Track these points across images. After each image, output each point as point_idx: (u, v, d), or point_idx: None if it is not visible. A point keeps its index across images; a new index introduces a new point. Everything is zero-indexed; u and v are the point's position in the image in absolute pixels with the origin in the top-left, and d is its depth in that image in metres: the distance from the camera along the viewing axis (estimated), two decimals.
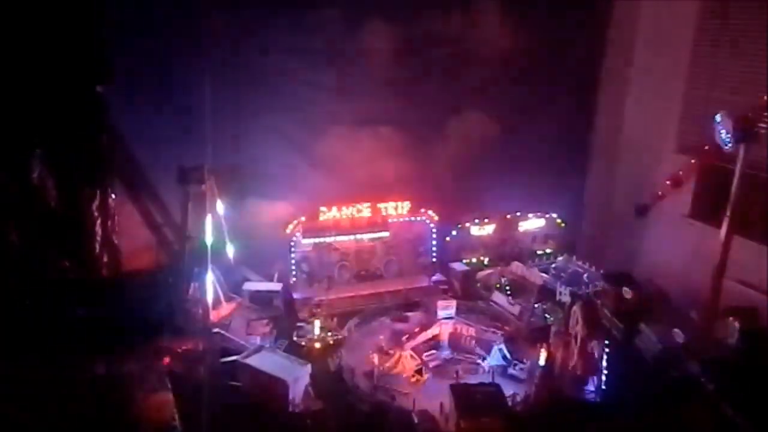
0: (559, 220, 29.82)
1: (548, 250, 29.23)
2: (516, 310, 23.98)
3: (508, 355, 21.53)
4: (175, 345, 20.08)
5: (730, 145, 20.33)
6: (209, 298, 22.01)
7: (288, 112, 25.44)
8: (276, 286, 25.17)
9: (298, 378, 18.76)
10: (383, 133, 27.11)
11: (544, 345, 20.21)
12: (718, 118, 20.08)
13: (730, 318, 21.16)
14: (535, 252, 29.13)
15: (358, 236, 26.35)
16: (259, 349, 20.13)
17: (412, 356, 20.94)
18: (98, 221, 22.12)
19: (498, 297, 25.09)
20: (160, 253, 24.98)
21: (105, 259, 22.51)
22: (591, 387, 19.34)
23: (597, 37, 28.83)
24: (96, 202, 21.98)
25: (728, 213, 21.00)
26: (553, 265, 27.32)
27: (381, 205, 26.58)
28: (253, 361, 19.34)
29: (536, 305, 24.06)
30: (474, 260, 28.21)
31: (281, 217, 26.03)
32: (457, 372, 20.35)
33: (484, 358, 21.53)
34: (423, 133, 27.74)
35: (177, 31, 22.49)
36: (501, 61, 27.30)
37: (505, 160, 28.54)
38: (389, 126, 27.09)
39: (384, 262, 27.25)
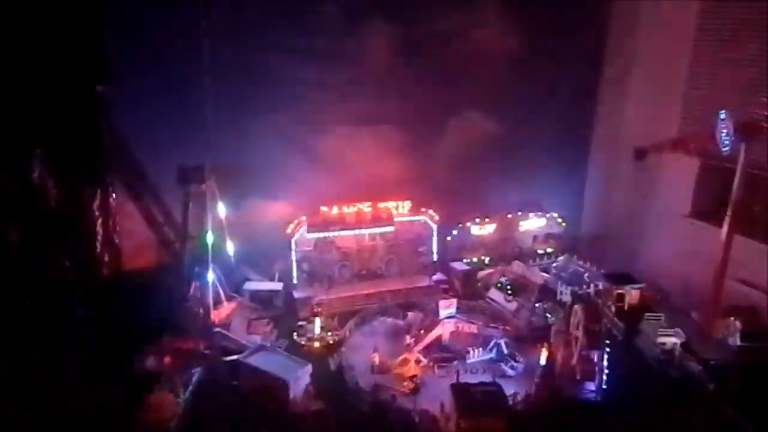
0: (559, 220, 29.82)
1: (549, 250, 29.23)
2: (513, 306, 23.99)
3: (505, 351, 21.73)
4: (176, 344, 20.12)
5: (727, 147, 20.42)
6: (210, 297, 22.14)
7: (288, 112, 25.45)
8: (277, 285, 25.26)
9: (298, 377, 18.78)
10: (384, 132, 27.12)
11: (545, 344, 20.19)
12: (722, 115, 20.10)
13: (731, 317, 21.18)
14: (536, 251, 29.13)
15: (363, 231, 26.44)
16: (259, 349, 20.14)
17: (418, 360, 21.00)
18: (99, 221, 22.16)
19: (495, 294, 25.10)
20: (161, 252, 25.01)
21: (106, 258, 22.53)
22: (591, 387, 19.31)
23: (597, 37, 28.82)
24: (97, 202, 22.03)
25: (729, 212, 21.05)
26: (554, 265, 27.34)
27: (381, 205, 26.58)
28: (254, 360, 19.36)
29: (537, 304, 24.04)
30: (475, 260, 28.22)
31: (282, 216, 26.04)
32: (457, 372, 20.32)
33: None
34: (424, 132, 27.75)
35: (178, 31, 22.50)
36: (501, 61, 27.30)
37: (506, 160, 28.56)
38: (390, 126, 27.11)
39: (385, 261, 27.24)
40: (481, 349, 21.96)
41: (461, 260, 27.84)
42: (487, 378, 20.30)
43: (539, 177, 29.43)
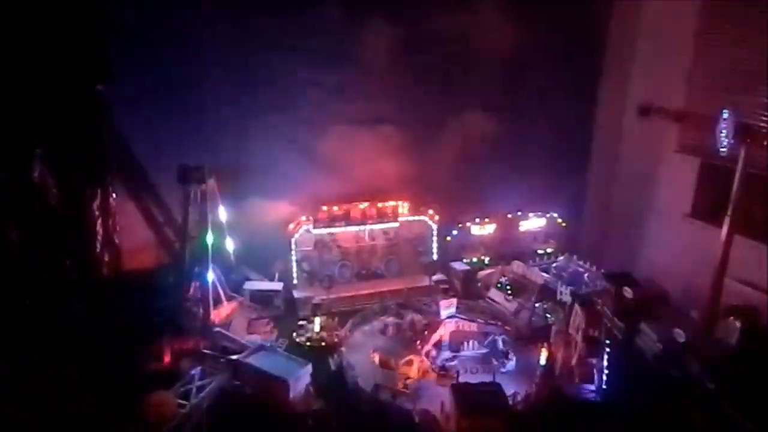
0: (559, 220, 29.81)
1: (549, 250, 29.20)
2: (513, 306, 24.00)
3: (501, 347, 21.66)
4: (176, 344, 20.12)
5: (725, 148, 20.44)
6: (210, 297, 22.15)
7: (289, 111, 25.44)
8: (277, 285, 25.21)
9: (298, 377, 18.77)
10: (384, 132, 27.12)
11: (545, 344, 20.21)
12: (725, 114, 20.10)
13: (731, 317, 21.19)
14: (536, 251, 29.09)
15: (369, 226, 26.30)
16: (259, 349, 20.15)
17: (424, 361, 20.85)
18: (99, 221, 22.15)
19: (495, 294, 25.12)
20: (161, 252, 25.01)
21: (106, 258, 22.53)
22: (591, 387, 19.34)
23: (597, 36, 28.83)
24: (97, 202, 22.01)
25: (729, 212, 21.06)
26: (554, 265, 27.33)
27: (381, 205, 26.59)
28: (254, 360, 19.35)
29: (537, 305, 24.06)
30: (475, 260, 28.20)
31: (282, 216, 26.05)
32: (457, 372, 20.33)
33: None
34: (424, 132, 27.74)
35: (178, 30, 22.51)
36: (501, 60, 27.31)
37: (506, 159, 28.56)
38: (390, 125, 27.10)
39: (385, 261, 27.25)
40: (476, 342, 21.97)
41: (461, 260, 27.82)
42: (483, 376, 20.37)
43: (539, 177, 29.38)
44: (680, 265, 25.06)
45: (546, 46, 27.45)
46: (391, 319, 23.77)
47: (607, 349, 19.25)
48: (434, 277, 26.59)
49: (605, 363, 19.19)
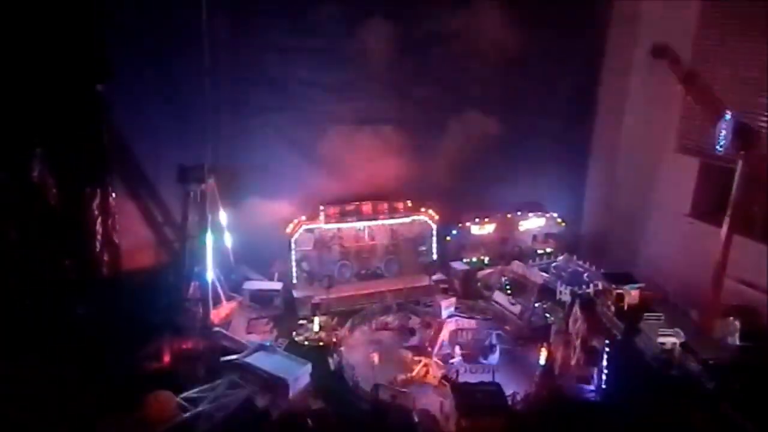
0: (559, 220, 29.83)
1: (549, 250, 29.22)
2: (517, 309, 24.02)
3: (493, 341, 21.84)
4: (175, 344, 20.12)
5: (721, 149, 20.48)
6: (209, 297, 22.14)
7: (288, 111, 25.46)
8: (276, 285, 25.24)
9: (298, 377, 18.78)
10: (384, 132, 27.11)
11: (545, 344, 20.21)
12: (727, 116, 20.13)
13: (731, 317, 21.21)
14: (536, 251, 29.12)
15: (381, 222, 26.51)
16: (259, 348, 20.14)
17: (437, 363, 20.88)
18: (99, 220, 22.10)
19: (499, 297, 25.14)
20: (160, 252, 25.00)
21: (105, 258, 22.50)
22: (591, 386, 19.34)
23: (597, 37, 28.84)
24: (96, 201, 21.97)
25: (729, 212, 21.09)
26: (554, 265, 27.34)
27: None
28: (254, 360, 19.36)
29: (536, 304, 24.07)
30: (474, 259, 28.21)
31: (281, 216, 26.05)
32: (456, 372, 20.34)
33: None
34: (423, 132, 27.74)
35: (178, 31, 22.49)
36: (501, 61, 27.29)
37: (506, 160, 28.56)
38: (390, 125, 27.09)
39: (384, 261, 27.26)
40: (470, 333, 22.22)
41: (461, 260, 27.83)
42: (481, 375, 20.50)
43: (539, 177, 29.43)
44: (680, 265, 25.07)
45: (546, 46, 27.45)
46: (396, 323, 23.74)
47: (607, 350, 19.24)
48: (434, 277, 26.64)
49: (605, 362, 19.18)
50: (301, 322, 23.26)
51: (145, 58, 22.44)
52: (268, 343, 20.78)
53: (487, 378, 19.83)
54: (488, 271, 27.18)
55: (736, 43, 23.80)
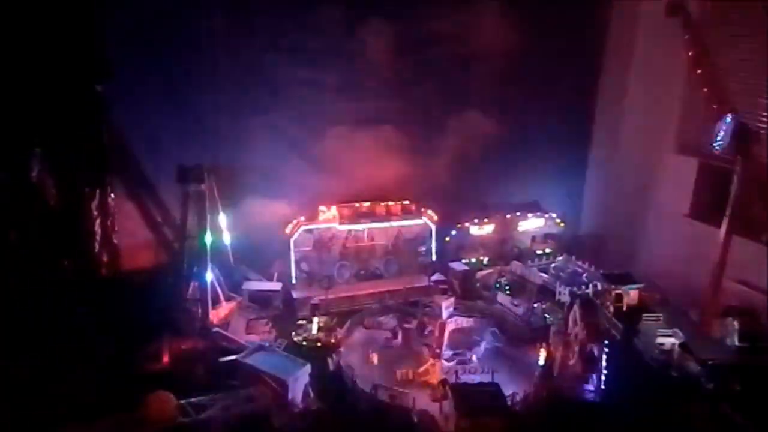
0: (558, 220, 29.85)
1: (548, 250, 29.22)
2: (520, 311, 24.06)
3: (482, 339, 22.21)
4: (174, 344, 20.10)
5: (718, 147, 20.49)
6: (209, 297, 22.13)
7: (288, 111, 25.45)
8: (275, 285, 25.24)
9: (297, 377, 18.76)
10: (383, 132, 27.12)
11: (544, 345, 20.20)
12: (728, 119, 20.16)
13: (730, 318, 21.21)
14: (535, 252, 29.12)
15: (395, 223, 26.60)
16: (258, 349, 20.13)
17: (440, 364, 20.89)
18: (98, 220, 22.11)
19: (502, 298, 25.22)
20: (159, 252, 24.97)
21: (104, 258, 22.49)
22: (590, 387, 19.35)
23: (597, 37, 28.87)
24: (95, 202, 21.97)
25: (728, 213, 21.10)
26: (553, 265, 27.33)
27: (381, 205, 26.61)
28: (253, 360, 19.35)
29: (536, 305, 24.08)
30: (473, 260, 28.22)
31: (281, 216, 26.03)
32: (456, 371, 20.34)
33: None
34: (423, 133, 27.77)
35: (178, 31, 22.50)
36: (501, 61, 27.32)
37: (505, 160, 28.59)
38: (389, 125, 27.10)
39: (384, 261, 27.25)
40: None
41: (460, 260, 27.85)
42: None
43: (538, 177, 29.46)
44: (679, 266, 25.07)
45: (545, 47, 27.45)
46: (397, 326, 23.64)
47: (606, 350, 19.23)
48: (433, 277, 26.66)
49: (604, 363, 19.18)
50: (300, 322, 23.23)
51: (144, 58, 22.44)
52: (267, 344, 20.76)
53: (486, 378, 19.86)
54: (487, 271, 27.19)
55: (735, 43, 23.75)
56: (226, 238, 24.36)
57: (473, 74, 27.51)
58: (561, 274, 26.15)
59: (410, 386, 19.76)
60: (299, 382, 18.77)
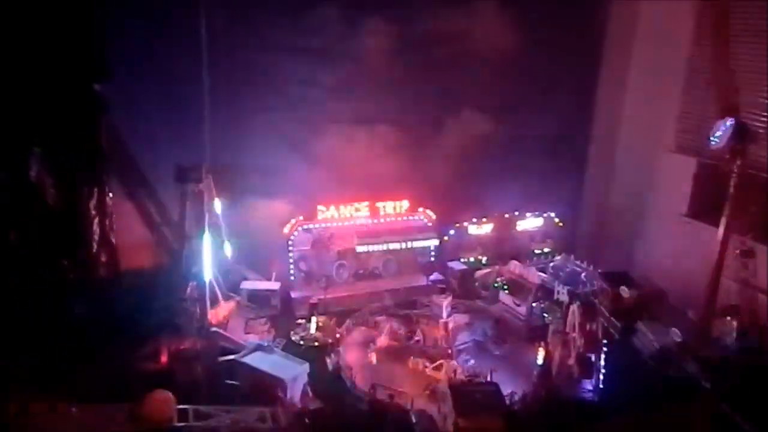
0: (557, 220, 29.86)
1: (546, 250, 29.26)
2: (523, 310, 24.12)
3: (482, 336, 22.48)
4: (173, 344, 20.09)
5: (714, 143, 20.53)
6: (207, 297, 22.11)
7: (286, 110, 25.42)
8: (274, 285, 25.20)
9: (296, 377, 18.75)
10: (381, 132, 27.10)
11: (542, 344, 20.23)
12: (728, 122, 20.21)
13: (728, 317, 21.24)
14: (533, 251, 29.16)
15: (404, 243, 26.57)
16: (256, 348, 20.12)
17: (457, 362, 20.85)
18: (96, 220, 22.07)
19: (504, 297, 25.28)
20: (157, 252, 24.95)
21: (103, 258, 22.46)
22: (588, 386, 19.39)
23: (595, 37, 28.87)
24: (93, 201, 21.93)
25: (726, 212, 21.12)
26: (551, 264, 27.32)
27: (379, 204, 26.61)
28: (251, 360, 19.33)
29: (534, 304, 24.11)
30: (472, 259, 28.23)
31: (279, 215, 26.02)
32: (454, 371, 20.36)
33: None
34: (421, 132, 27.74)
35: (176, 30, 22.48)
36: (499, 61, 27.27)
37: (504, 160, 28.58)
38: (387, 125, 27.07)
39: (382, 261, 27.24)
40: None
41: (459, 260, 27.84)
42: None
43: (537, 176, 29.43)
44: (678, 265, 25.10)
45: (544, 46, 27.46)
46: (402, 330, 23.31)
47: (605, 348, 19.27)
48: (431, 277, 26.66)
49: (602, 362, 19.22)
50: (299, 322, 23.23)
51: (142, 57, 22.41)
52: (265, 344, 20.75)
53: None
54: (486, 270, 27.19)
55: (734, 43, 23.73)
56: (225, 238, 24.34)
57: (472, 74, 27.47)
58: (560, 273, 26.16)
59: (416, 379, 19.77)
60: (298, 381, 18.75)
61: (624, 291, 23.66)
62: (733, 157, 20.30)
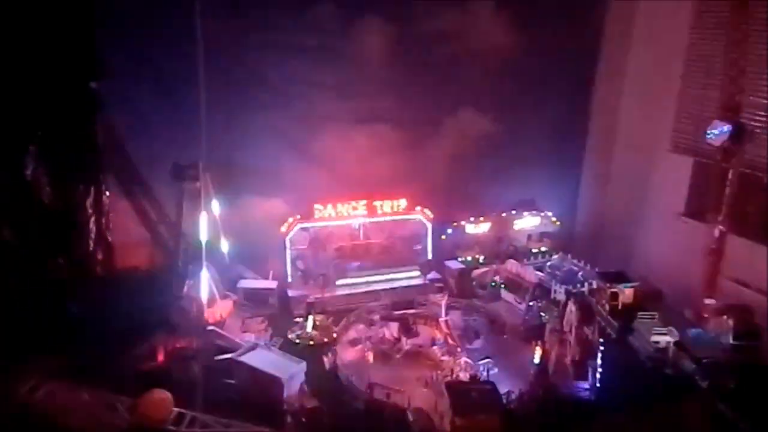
0: (554, 219, 29.88)
1: (543, 249, 29.26)
2: (523, 307, 24.19)
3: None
4: (169, 343, 20.04)
5: (711, 138, 20.57)
6: (204, 296, 22.07)
7: (284, 109, 25.41)
8: (271, 284, 25.21)
9: (293, 376, 18.72)
10: (379, 131, 27.11)
11: (539, 343, 20.23)
12: (725, 128, 20.25)
13: (724, 316, 21.26)
14: (531, 250, 29.15)
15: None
16: (253, 347, 20.08)
17: (466, 362, 20.81)
18: (92, 218, 22.01)
19: (506, 295, 25.34)
20: (154, 250, 24.89)
21: (99, 256, 22.40)
22: (585, 385, 19.38)
23: (593, 37, 28.89)
24: (90, 199, 21.87)
25: (723, 211, 21.15)
26: (549, 264, 27.34)
27: (377, 203, 26.60)
28: (248, 359, 19.29)
29: (531, 303, 24.12)
30: (469, 258, 28.23)
31: (276, 214, 25.98)
32: (452, 370, 20.35)
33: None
34: (419, 131, 27.77)
35: (174, 29, 22.38)
36: (497, 60, 27.32)
37: (501, 159, 28.60)
38: (385, 124, 27.10)
39: (380, 260, 27.19)
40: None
41: (456, 259, 27.86)
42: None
43: (534, 176, 29.52)
44: (674, 264, 25.12)
45: (541, 47, 27.48)
46: (403, 339, 23.09)
47: (601, 348, 19.26)
48: (429, 276, 26.66)
49: (599, 361, 19.21)
50: (297, 320, 23.20)
51: (139, 56, 22.42)
52: (262, 342, 20.72)
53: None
54: (483, 269, 27.20)
55: (731, 42, 23.75)
56: (222, 236, 24.30)
57: (470, 74, 27.55)
58: (557, 272, 26.19)
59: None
60: (295, 380, 18.72)
61: (621, 290, 23.63)
62: (729, 156, 20.31)
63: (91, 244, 22.20)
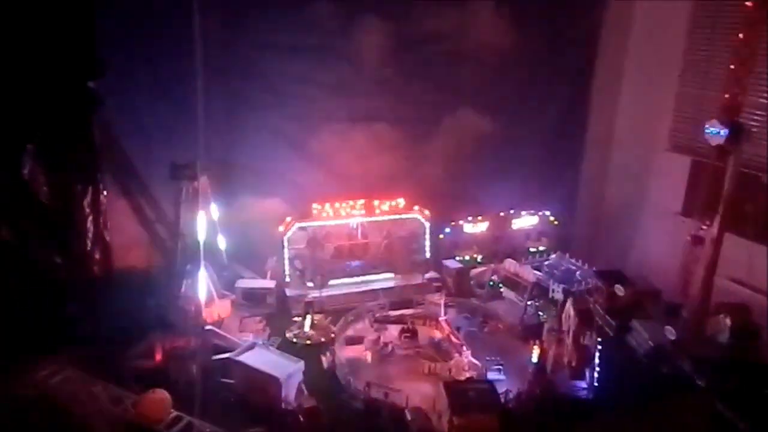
0: (552, 218, 29.88)
1: (541, 248, 29.29)
2: (522, 307, 24.18)
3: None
4: (167, 342, 20.03)
5: (709, 136, 20.62)
6: (202, 295, 22.03)
7: (282, 108, 25.38)
8: (269, 283, 25.15)
9: (291, 375, 18.70)
10: (377, 130, 27.08)
11: (537, 342, 20.24)
12: (723, 132, 20.28)
13: (721, 315, 21.31)
14: (529, 249, 29.19)
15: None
16: (251, 347, 20.06)
17: (468, 359, 20.78)
18: (89, 218, 21.95)
19: (507, 293, 25.38)
20: (152, 250, 24.86)
21: (97, 256, 22.35)
22: (583, 384, 19.41)
23: (591, 36, 28.91)
24: (87, 199, 21.81)
25: (720, 211, 21.18)
26: (546, 263, 27.38)
27: (375, 202, 26.57)
28: (246, 358, 19.26)
29: (529, 302, 24.14)
30: (467, 258, 28.23)
31: (274, 214, 25.95)
32: (450, 369, 20.36)
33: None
34: (417, 130, 27.73)
35: (171, 28, 22.32)
36: (495, 60, 27.30)
37: (499, 158, 28.60)
38: (384, 123, 27.07)
39: (378, 259, 27.19)
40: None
41: (454, 258, 27.85)
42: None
43: (532, 175, 29.50)
44: (672, 264, 25.12)
45: (540, 46, 27.51)
46: (403, 339, 22.87)
47: (599, 347, 19.29)
48: (427, 275, 26.65)
49: (597, 360, 19.24)
50: (295, 320, 23.19)
51: (137, 54, 22.33)
52: (260, 342, 20.71)
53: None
54: (481, 269, 27.21)
55: (728, 43, 23.78)
56: (220, 236, 24.28)
57: (468, 73, 27.50)
58: (555, 271, 26.23)
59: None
60: (293, 379, 18.71)
61: (619, 289, 23.69)
62: (727, 155, 20.32)
63: (89, 243, 22.12)
